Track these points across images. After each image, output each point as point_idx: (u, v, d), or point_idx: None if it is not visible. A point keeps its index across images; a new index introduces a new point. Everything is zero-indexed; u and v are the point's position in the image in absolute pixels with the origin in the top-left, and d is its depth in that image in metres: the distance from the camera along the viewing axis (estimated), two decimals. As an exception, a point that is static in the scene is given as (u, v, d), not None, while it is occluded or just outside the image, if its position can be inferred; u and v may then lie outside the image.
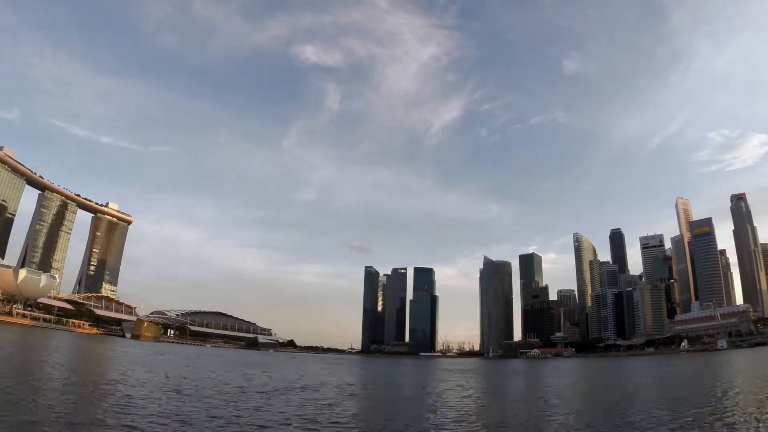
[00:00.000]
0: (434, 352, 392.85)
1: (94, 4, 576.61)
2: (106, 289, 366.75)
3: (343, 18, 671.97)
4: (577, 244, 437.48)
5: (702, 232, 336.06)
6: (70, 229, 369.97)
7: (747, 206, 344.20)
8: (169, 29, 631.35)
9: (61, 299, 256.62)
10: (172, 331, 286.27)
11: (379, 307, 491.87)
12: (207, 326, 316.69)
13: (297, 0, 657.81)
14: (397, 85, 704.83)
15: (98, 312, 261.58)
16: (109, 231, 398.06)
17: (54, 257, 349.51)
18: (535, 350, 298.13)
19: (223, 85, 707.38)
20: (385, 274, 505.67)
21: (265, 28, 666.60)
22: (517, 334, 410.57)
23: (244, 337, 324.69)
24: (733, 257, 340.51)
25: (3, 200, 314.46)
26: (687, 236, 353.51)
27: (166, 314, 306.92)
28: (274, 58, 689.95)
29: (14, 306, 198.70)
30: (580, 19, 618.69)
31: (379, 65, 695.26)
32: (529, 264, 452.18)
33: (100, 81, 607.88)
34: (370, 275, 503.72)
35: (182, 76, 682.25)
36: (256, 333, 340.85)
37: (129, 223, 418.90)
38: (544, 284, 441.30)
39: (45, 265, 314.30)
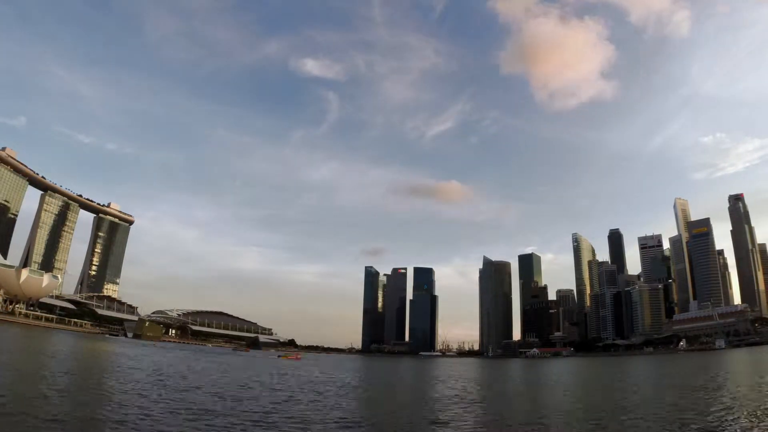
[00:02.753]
0: (434, 351, 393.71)
1: (101, 13, 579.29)
2: (108, 289, 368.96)
3: (342, 33, 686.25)
4: (575, 244, 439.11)
5: (700, 233, 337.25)
6: (72, 230, 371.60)
7: (745, 207, 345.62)
8: (175, 40, 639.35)
9: (63, 299, 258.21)
10: (173, 331, 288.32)
11: (379, 307, 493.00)
12: (208, 326, 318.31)
13: (297, 16, 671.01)
14: (394, 95, 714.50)
15: (100, 312, 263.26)
16: (111, 231, 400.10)
17: (56, 257, 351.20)
18: (534, 350, 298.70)
19: (226, 93, 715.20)
20: (385, 274, 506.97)
21: (267, 43, 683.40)
22: (517, 334, 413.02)
23: (245, 336, 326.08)
24: (731, 257, 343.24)
25: (5, 201, 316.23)
26: (685, 236, 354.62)
27: (167, 314, 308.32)
28: (276, 71, 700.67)
29: (17, 306, 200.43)
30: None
31: (377, 77, 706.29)
32: (528, 264, 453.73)
33: (105, 88, 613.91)
34: (370, 275, 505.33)
35: (187, 83, 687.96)
36: (257, 332, 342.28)
37: (131, 223, 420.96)
38: (543, 284, 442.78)
39: (47, 265, 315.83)
